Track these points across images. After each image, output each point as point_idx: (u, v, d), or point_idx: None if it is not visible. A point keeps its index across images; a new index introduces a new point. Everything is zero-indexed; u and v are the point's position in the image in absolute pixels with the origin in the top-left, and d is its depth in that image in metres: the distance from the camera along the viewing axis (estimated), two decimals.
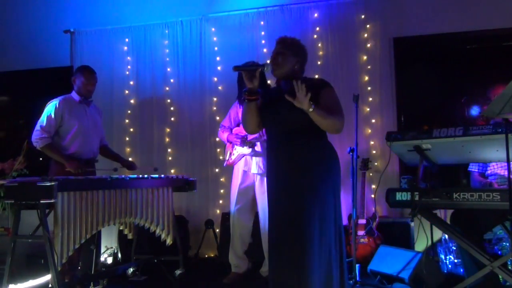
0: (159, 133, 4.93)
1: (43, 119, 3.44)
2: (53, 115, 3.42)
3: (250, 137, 3.53)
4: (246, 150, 3.56)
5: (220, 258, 4.21)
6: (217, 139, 4.39)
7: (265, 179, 3.55)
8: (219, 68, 4.75)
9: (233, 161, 3.68)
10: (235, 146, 3.66)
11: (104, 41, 5.08)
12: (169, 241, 3.46)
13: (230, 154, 3.70)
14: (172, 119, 4.91)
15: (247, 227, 3.72)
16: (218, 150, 4.70)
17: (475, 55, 4.46)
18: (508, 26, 4.26)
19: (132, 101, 5.01)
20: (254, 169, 3.58)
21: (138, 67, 5.01)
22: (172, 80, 4.93)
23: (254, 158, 3.57)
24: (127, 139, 4.99)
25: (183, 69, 4.91)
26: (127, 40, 5.04)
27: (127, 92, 5.01)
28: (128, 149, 4.96)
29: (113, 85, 4.99)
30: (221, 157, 4.58)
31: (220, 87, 4.76)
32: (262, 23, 4.71)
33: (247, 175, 3.65)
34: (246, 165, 3.62)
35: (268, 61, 2.45)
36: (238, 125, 3.73)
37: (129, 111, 5.00)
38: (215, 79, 4.77)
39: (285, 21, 4.64)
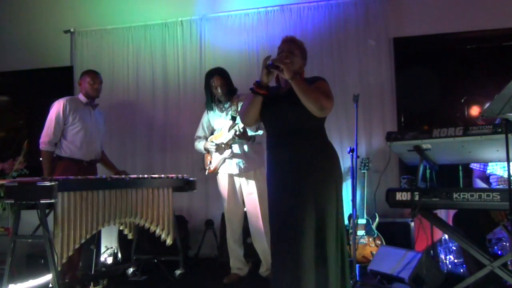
0: (159, 133, 4.93)
1: (51, 122, 3.46)
2: (61, 114, 3.45)
3: (224, 141, 3.55)
4: (225, 153, 3.57)
5: (220, 258, 4.21)
6: None
7: (249, 181, 3.57)
8: None
9: (215, 168, 3.68)
10: (213, 153, 3.67)
11: (104, 41, 5.08)
12: (169, 241, 3.46)
13: (210, 162, 3.71)
14: (172, 119, 4.91)
15: (241, 229, 3.74)
16: None
17: (475, 55, 4.46)
18: (508, 26, 4.26)
19: (132, 101, 5.00)
20: (234, 170, 3.59)
21: (138, 67, 5.01)
22: (172, 80, 4.93)
23: (234, 159, 3.58)
24: (127, 139, 4.98)
25: (183, 69, 4.91)
26: (127, 40, 5.04)
27: (127, 92, 5.01)
28: (128, 149, 4.96)
29: (113, 85, 4.99)
30: None
31: None
32: (262, 23, 4.71)
33: (232, 179, 3.65)
34: (228, 167, 3.62)
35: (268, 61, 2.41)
36: (212, 133, 3.74)
37: (129, 111, 5.00)
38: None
39: (285, 21, 4.64)
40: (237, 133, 3.43)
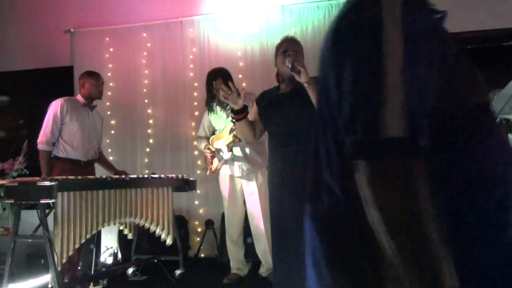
0: (159, 133, 4.93)
1: (49, 121, 3.46)
2: (58, 114, 3.45)
3: (224, 143, 3.56)
4: (226, 155, 3.57)
5: (220, 258, 4.21)
6: None
7: (251, 181, 3.57)
8: None
9: (216, 168, 3.68)
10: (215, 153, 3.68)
11: (104, 41, 5.08)
12: (169, 241, 3.46)
13: (212, 162, 3.71)
14: (172, 119, 4.91)
15: (241, 229, 3.74)
16: None
17: (475, 55, 4.46)
18: (508, 26, 4.25)
19: (132, 101, 5.00)
20: (237, 173, 3.59)
21: (138, 67, 5.00)
22: (172, 80, 4.92)
23: (235, 162, 3.58)
24: (127, 139, 4.98)
25: (183, 69, 4.91)
26: (127, 40, 5.03)
27: (127, 92, 5.00)
28: (127, 150, 4.96)
29: (113, 85, 4.98)
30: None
31: None
32: (262, 23, 4.70)
33: (233, 179, 3.65)
34: (230, 169, 3.62)
35: (287, 60, 2.37)
36: (213, 133, 3.75)
37: (129, 111, 5.00)
38: None
39: (285, 21, 4.64)
40: (236, 134, 3.43)
